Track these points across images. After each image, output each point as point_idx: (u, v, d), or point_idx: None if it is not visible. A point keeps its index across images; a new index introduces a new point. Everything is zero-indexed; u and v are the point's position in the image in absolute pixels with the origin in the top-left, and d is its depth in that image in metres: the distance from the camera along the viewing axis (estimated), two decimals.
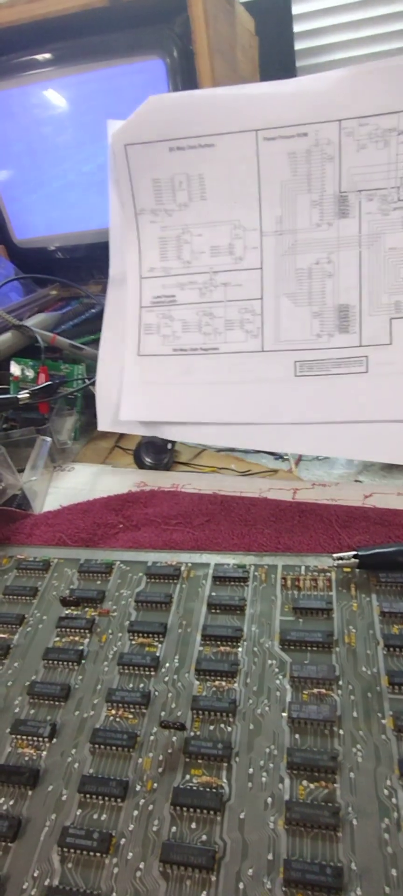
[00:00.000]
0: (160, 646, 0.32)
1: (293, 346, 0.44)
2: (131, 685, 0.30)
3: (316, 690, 0.28)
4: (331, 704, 0.27)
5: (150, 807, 0.25)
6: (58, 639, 0.33)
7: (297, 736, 0.26)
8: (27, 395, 0.52)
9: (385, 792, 0.24)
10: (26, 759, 0.27)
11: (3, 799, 0.26)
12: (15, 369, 0.56)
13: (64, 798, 0.25)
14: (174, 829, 0.24)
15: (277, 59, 0.93)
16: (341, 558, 0.34)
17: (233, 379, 0.46)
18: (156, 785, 0.25)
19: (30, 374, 0.56)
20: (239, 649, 0.31)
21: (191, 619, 0.33)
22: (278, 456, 0.52)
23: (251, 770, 0.25)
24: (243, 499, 0.43)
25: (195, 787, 0.25)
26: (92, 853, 0.23)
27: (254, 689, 0.29)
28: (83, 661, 0.32)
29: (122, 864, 0.23)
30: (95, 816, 0.25)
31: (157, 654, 0.31)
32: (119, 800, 0.25)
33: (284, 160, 0.43)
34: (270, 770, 0.25)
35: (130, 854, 0.23)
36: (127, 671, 0.31)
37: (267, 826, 0.23)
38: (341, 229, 0.43)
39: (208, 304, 0.46)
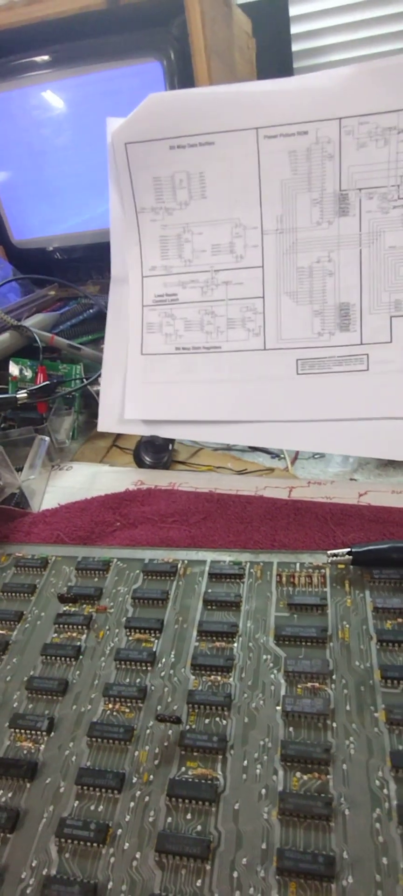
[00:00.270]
0: (156, 641, 0.32)
1: (294, 345, 0.45)
2: (128, 680, 0.30)
3: (309, 684, 0.29)
4: (325, 698, 0.28)
5: (146, 798, 0.25)
6: (56, 635, 0.34)
7: (291, 729, 0.27)
8: (25, 394, 0.53)
9: (377, 783, 0.24)
10: (25, 752, 0.28)
11: (1, 791, 0.26)
12: (13, 369, 0.57)
13: (61, 790, 0.26)
14: (170, 819, 0.24)
15: (275, 61, 0.94)
16: (335, 555, 0.35)
17: (235, 377, 0.46)
18: (152, 777, 0.26)
19: (28, 374, 0.57)
20: (235, 645, 0.31)
21: (187, 615, 0.34)
22: (274, 454, 0.53)
23: (245, 762, 0.26)
24: (239, 497, 0.44)
25: (190, 779, 0.25)
26: (89, 843, 0.24)
27: (249, 684, 0.29)
28: (81, 657, 0.32)
29: (119, 854, 0.23)
30: (92, 808, 0.25)
31: (154, 649, 0.32)
32: (115, 791, 0.25)
33: (284, 158, 0.43)
34: (264, 762, 0.26)
35: (126, 844, 0.24)
36: (124, 666, 0.31)
37: (261, 816, 0.24)
38: (341, 228, 0.43)
39: (210, 302, 0.46)
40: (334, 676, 0.29)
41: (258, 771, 0.25)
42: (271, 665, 0.30)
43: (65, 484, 0.51)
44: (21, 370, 0.57)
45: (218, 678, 0.30)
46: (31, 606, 0.36)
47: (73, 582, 0.37)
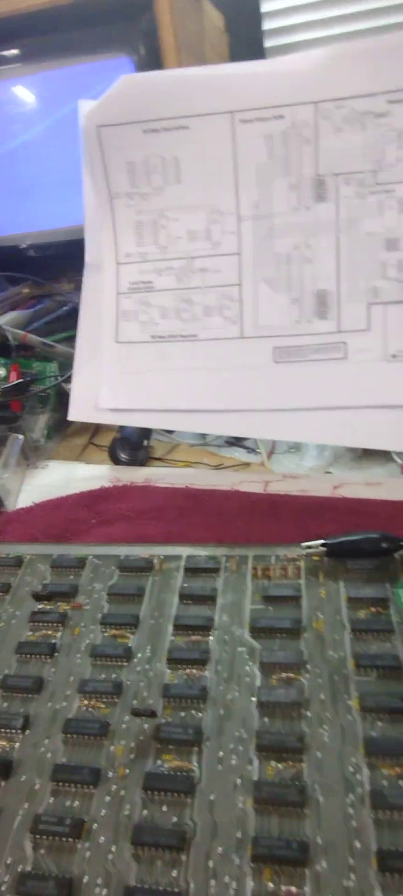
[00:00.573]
0: (132, 637, 0.32)
1: (271, 333, 0.44)
2: (103, 676, 0.30)
3: (284, 675, 0.29)
4: (299, 688, 0.28)
5: (122, 792, 0.25)
6: (31, 633, 0.33)
7: (266, 719, 0.27)
8: None
9: (351, 769, 0.25)
10: None
11: None
12: None
13: (36, 787, 0.26)
14: (145, 812, 0.24)
15: (247, 56, 0.94)
16: (310, 547, 0.35)
17: (212, 366, 0.45)
18: (127, 771, 0.26)
19: (1, 372, 0.56)
20: (210, 638, 0.31)
21: (163, 610, 0.34)
22: (251, 449, 0.53)
23: (221, 753, 0.26)
24: (215, 492, 0.44)
25: (166, 772, 0.25)
26: (64, 839, 0.23)
27: (225, 676, 0.29)
28: (56, 654, 0.32)
29: (94, 848, 0.23)
30: (68, 804, 0.25)
31: (130, 644, 0.32)
32: (91, 786, 0.25)
33: (260, 143, 0.42)
34: (240, 753, 0.26)
35: (102, 838, 0.24)
36: (99, 662, 0.31)
37: (236, 806, 0.24)
38: (319, 214, 0.42)
39: (186, 290, 0.46)
40: (308, 666, 0.29)
41: (233, 761, 0.26)
42: (246, 657, 0.30)
43: (40, 483, 0.51)
44: None
45: (194, 671, 0.30)
46: (5, 605, 0.35)
47: (48, 580, 0.37)
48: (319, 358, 0.43)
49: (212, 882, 0.22)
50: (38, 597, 0.35)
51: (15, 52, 0.59)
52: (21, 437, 0.51)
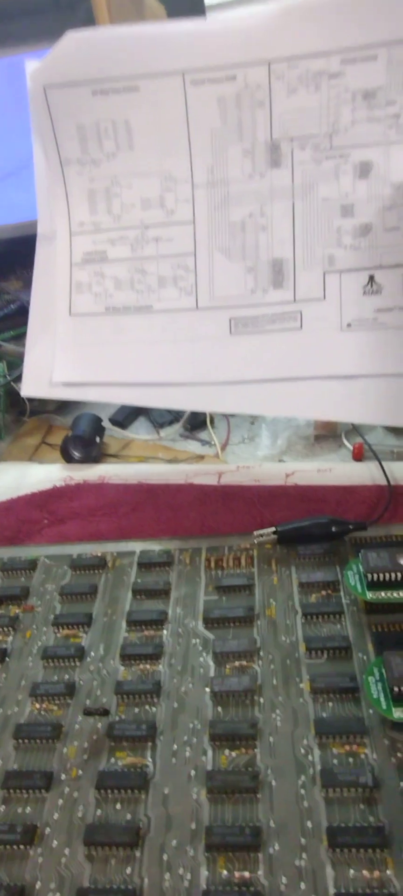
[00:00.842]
0: (85, 636, 0.32)
1: (227, 304, 0.43)
2: (56, 677, 0.30)
3: (237, 663, 0.29)
4: (252, 675, 0.28)
5: (75, 794, 0.25)
6: None
7: (220, 708, 0.27)
8: None
9: (302, 751, 0.25)
10: None
11: None
12: None
13: None
14: (99, 812, 0.24)
15: None
16: (261, 535, 0.35)
17: (167, 338, 0.44)
18: (80, 772, 0.25)
19: None
20: (164, 632, 0.31)
21: (116, 606, 0.33)
22: (205, 442, 0.53)
23: (175, 746, 0.26)
24: (169, 486, 0.44)
25: (119, 769, 0.25)
26: (16, 846, 0.23)
27: (178, 669, 0.29)
28: (7, 659, 0.31)
29: (47, 853, 0.23)
30: (20, 810, 0.24)
31: (82, 644, 0.31)
32: (43, 791, 0.25)
33: (213, 106, 0.41)
34: (193, 744, 0.26)
35: (55, 842, 0.23)
36: (51, 664, 0.30)
37: (190, 798, 0.24)
38: (274, 179, 0.41)
39: (140, 259, 0.44)
40: (261, 653, 0.29)
41: (187, 753, 0.26)
42: (200, 648, 0.30)
43: None
44: None
45: (148, 666, 0.30)
46: None
47: None
48: (275, 328, 0.43)
49: (167, 875, 0.22)
50: None
51: None
52: None
